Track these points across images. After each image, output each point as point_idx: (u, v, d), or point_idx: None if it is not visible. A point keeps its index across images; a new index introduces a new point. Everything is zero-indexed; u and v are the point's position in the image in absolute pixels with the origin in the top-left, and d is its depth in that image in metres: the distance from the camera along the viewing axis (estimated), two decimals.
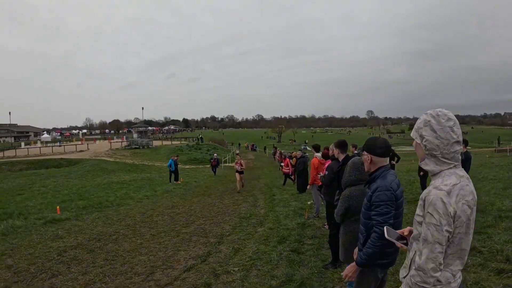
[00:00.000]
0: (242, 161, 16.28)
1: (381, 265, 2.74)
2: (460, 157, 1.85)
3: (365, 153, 2.83)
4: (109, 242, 7.53)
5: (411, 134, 1.98)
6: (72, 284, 5.19)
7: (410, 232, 2.01)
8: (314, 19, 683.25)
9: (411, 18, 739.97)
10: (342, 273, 2.76)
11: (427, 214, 1.71)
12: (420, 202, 1.81)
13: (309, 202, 10.49)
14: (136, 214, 10.89)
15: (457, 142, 1.81)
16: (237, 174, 15.86)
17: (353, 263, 2.69)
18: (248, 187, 17.21)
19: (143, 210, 11.65)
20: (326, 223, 7.07)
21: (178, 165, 22.73)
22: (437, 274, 1.71)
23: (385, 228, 2.07)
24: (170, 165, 21.62)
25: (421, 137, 1.88)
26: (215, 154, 29.51)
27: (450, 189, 1.71)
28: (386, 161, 2.79)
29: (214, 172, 26.38)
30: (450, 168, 1.81)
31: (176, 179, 21.62)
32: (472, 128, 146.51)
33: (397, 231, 2.07)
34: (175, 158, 22.74)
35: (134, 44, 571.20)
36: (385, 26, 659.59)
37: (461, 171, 1.82)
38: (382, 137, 2.96)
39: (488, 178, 13.12)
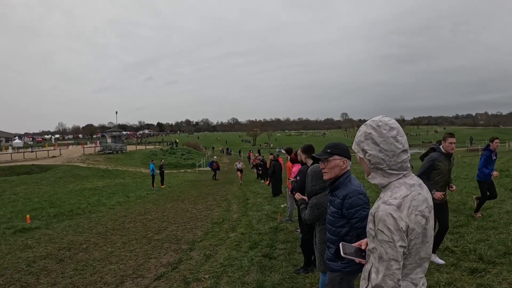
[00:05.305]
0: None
1: (356, 271, 2.61)
2: (409, 165, 1.72)
3: (338, 157, 2.67)
4: (79, 251, 7.46)
5: (353, 147, 1.85)
6: None
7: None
8: (293, 22, 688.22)
9: (387, 23, 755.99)
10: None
11: (378, 231, 1.58)
12: (370, 217, 1.69)
13: (283, 205, 10.60)
14: (108, 221, 10.80)
15: (404, 151, 1.69)
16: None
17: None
18: (222, 191, 17.25)
19: (115, 217, 11.55)
20: (298, 227, 7.16)
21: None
22: None
23: (340, 244, 1.89)
24: (153, 169, 22.23)
25: (364, 151, 1.75)
26: (215, 157, 29.97)
27: (400, 202, 1.58)
28: None
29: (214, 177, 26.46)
30: (399, 178, 1.69)
31: (153, 184, 22.03)
32: (445, 128, 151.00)
33: (354, 244, 1.95)
34: (155, 162, 23.42)
35: (112, 46, 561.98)
36: (361, 31, 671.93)
37: (411, 179, 1.70)
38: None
39: (461, 177, 13.40)
